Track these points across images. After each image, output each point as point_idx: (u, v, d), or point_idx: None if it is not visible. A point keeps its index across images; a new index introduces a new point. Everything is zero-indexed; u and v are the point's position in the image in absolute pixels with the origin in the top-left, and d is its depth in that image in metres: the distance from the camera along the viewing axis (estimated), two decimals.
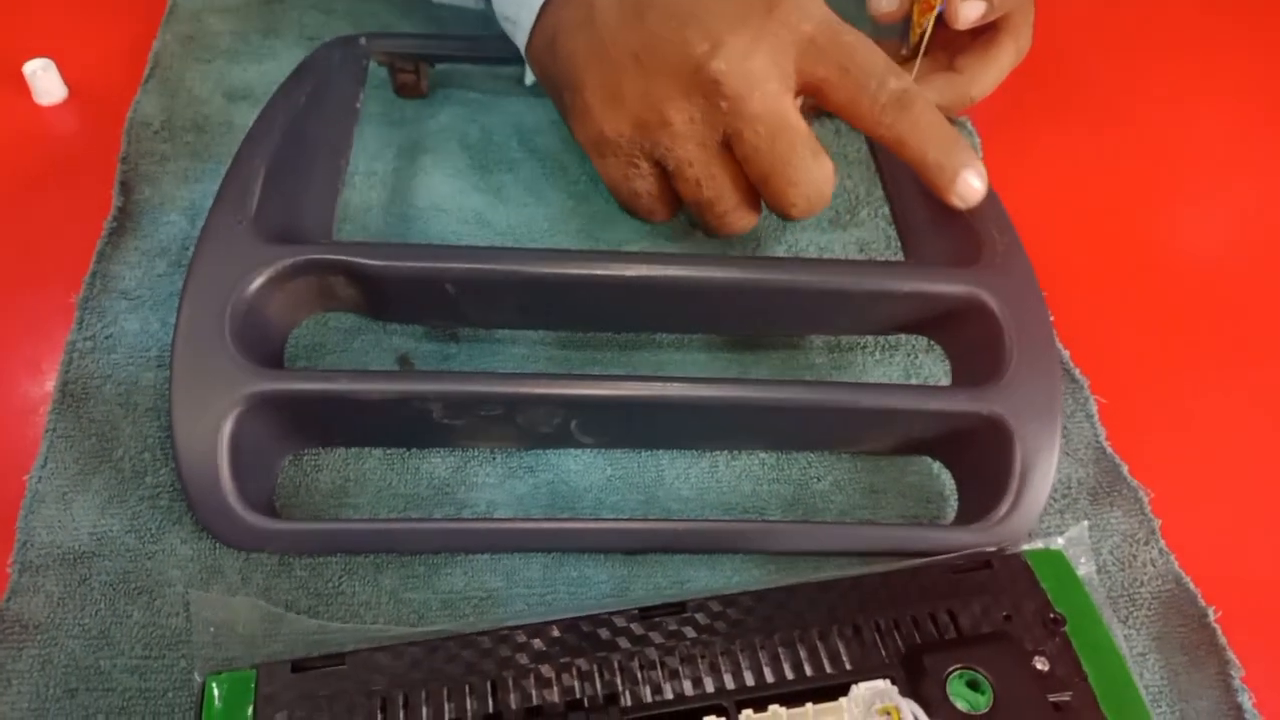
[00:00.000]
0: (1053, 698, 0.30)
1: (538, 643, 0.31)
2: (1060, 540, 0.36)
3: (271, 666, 0.30)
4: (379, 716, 0.29)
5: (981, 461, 0.37)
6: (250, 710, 0.29)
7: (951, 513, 0.38)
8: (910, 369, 0.41)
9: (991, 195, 0.41)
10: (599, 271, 0.36)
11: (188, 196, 0.43)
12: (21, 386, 0.37)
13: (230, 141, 0.46)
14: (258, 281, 0.34)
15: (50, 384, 0.37)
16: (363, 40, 0.45)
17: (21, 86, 0.47)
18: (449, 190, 0.45)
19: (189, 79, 0.48)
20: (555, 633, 0.31)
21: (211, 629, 0.31)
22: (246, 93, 0.48)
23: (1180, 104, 0.55)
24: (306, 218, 0.38)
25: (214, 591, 0.32)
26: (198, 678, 0.29)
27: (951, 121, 0.50)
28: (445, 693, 0.29)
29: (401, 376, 0.34)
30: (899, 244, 0.44)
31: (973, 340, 0.38)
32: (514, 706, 0.29)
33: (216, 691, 0.29)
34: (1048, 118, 0.54)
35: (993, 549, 0.34)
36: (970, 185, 0.37)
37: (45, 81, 0.46)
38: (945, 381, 0.41)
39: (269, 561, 0.33)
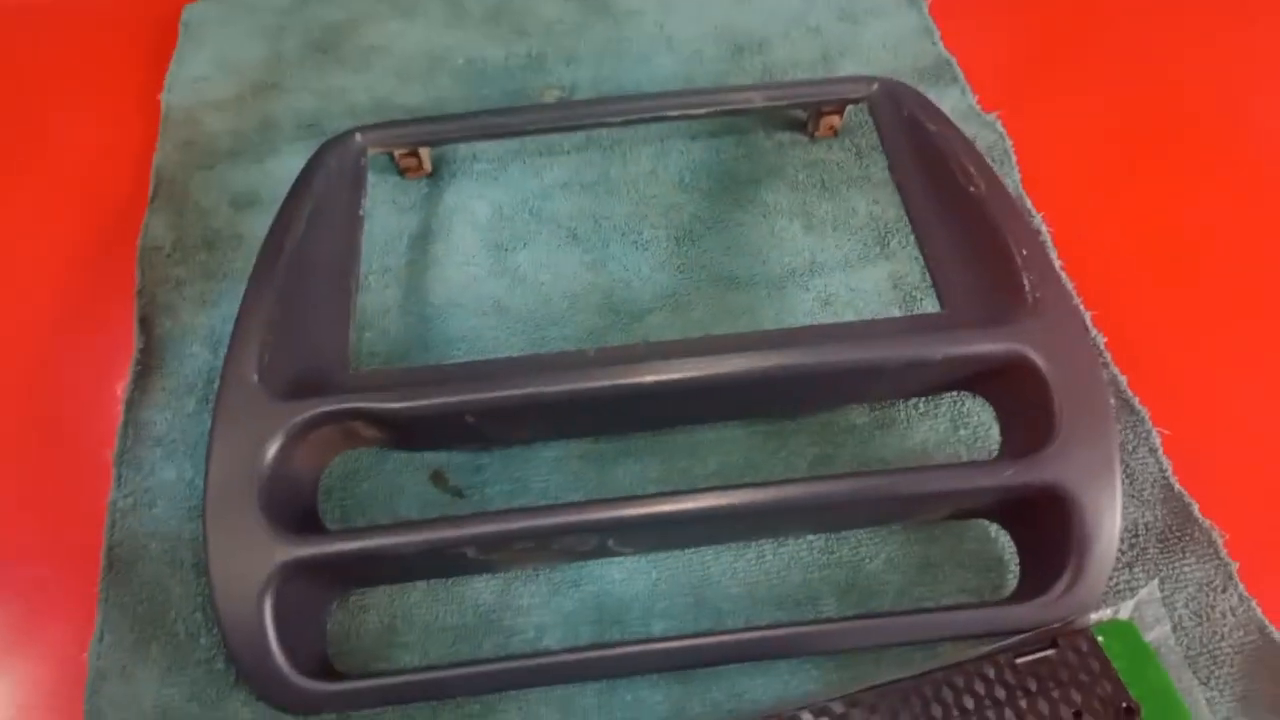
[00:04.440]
0: None
1: None
2: (1130, 605, 0.34)
3: None
4: None
5: (1040, 529, 0.35)
6: None
7: (1012, 578, 0.36)
8: (957, 419, 0.40)
9: (1028, 228, 0.39)
10: (620, 381, 0.35)
11: (206, 323, 0.43)
12: (71, 556, 0.38)
13: (242, 255, 0.45)
14: (277, 444, 0.34)
15: (98, 550, 0.37)
16: (358, 137, 0.44)
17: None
18: (462, 280, 0.44)
19: (194, 190, 0.48)
20: None
21: None
22: (252, 198, 0.47)
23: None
24: (321, 353, 0.37)
25: None
26: None
27: (977, 120, 0.47)
28: None
29: (430, 525, 0.33)
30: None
31: (1020, 398, 0.36)
32: None
33: None
34: (1100, 120, 0.51)
35: (1058, 626, 0.33)
36: None
37: None
38: (996, 428, 0.39)
39: (329, 717, 0.34)
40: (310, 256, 0.39)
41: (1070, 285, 0.41)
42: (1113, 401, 0.35)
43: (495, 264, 0.45)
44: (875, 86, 0.45)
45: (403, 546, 0.33)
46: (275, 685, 0.32)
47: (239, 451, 0.34)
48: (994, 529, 0.37)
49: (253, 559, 0.32)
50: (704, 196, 0.47)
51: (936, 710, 0.31)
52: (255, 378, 0.35)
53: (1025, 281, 0.37)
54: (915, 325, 0.38)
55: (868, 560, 0.37)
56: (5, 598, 0.37)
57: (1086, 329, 0.36)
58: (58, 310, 0.45)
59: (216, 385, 0.39)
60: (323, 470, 0.37)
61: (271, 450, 0.34)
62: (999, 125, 0.48)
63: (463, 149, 0.49)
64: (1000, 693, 0.32)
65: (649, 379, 0.34)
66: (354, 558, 0.33)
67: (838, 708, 0.32)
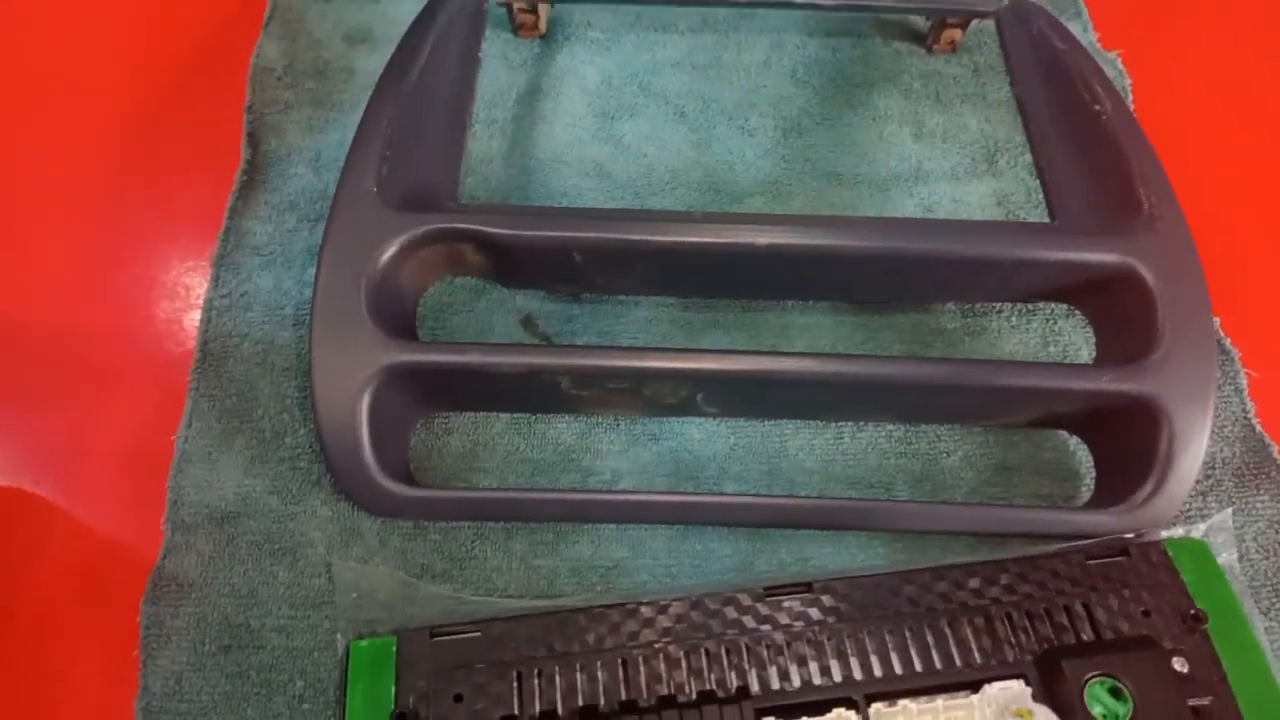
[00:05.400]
0: (1192, 702, 0.30)
1: (664, 619, 0.31)
2: (1202, 528, 0.34)
3: (411, 633, 0.31)
4: (515, 686, 0.30)
5: (1125, 441, 0.35)
6: (393, 674, 0.30)
7: (1087, 493, 0.36)
8: (1048, 335, 0.40)
9: (1146, 148, 0.39)
10: (727, 240, 0.35)
11: (312, 147, 0.43)
12: (164, 345, 0.38)
13: (351, 88, 0.46)
14: (390, 251, 0.34)
15: (191, 343, 0.38)
16: None
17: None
18: (568, 140, 0.44)
19: (308, 21, 0.48)
20: (681, 609, 0.31)
21: (354, 595, 0.32)
22: (365, 35, 0.47)
23: None
24: (434, 178, 0.38)
25: (354, 557, 0.34)
26: (341, 640, 0.31)
27: (1098, 57, 0.47)
28: (577, 666, 0.30)
29: (532, 350, 0.34)
30: (1040, 196, 0.41)
31: (1123, 312, 0.36)
32: (644, 685, 0.30)
33: (361, 655, 0.31)
34: (1218, 70, 0.50)
35: (1131, 536, 0.33)
36: None
37: None
38: (1086, 350, 0.39)
39: (405, 525, 0.34)
40: (429, 87, 0.39)
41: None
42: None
43: (601, 129, 0.45)
44: (1006, 2, 0.45)
45: (504, 366, 0.33)
46: (362, 483, 0.33)
47: (352, 254, 0.34)
48: (1073, 442, 0.37)
49: (357, 357, 0.33)
50: (815, 93, 0.47)
51: (1002, 594, 0.32)
52: (374, 187, 0.35)
53: (1143, 198, 0.37)
54: (1029, 230, 0.38)
55: (945, 455, 0.37)
56: (101, 382, 0.38)
57: (1196, 252, 0.36)
58: (169, 115, 0.45)
59: (323, 205, 0.40)
60: (424, 291, 0.38)
61: (384, 257, 0.34)
62: (1119, 63, 0.48)
63: (578, 15, 0.49)
64: (1068, 586, 0.32)
65: (761, 241, 0.35)
66: (453, 371, 0.33)
67: (905, 579, 0.32)
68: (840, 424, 0.37)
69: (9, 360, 0.38)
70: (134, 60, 0.47)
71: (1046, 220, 0.39)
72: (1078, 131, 0.40)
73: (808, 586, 0.32)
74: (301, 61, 0.46)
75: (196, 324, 0.39)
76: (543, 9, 0.46)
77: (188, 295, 0.40)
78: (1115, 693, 0.29)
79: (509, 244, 0.35)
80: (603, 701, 0.29)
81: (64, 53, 0.47)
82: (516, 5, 0.45)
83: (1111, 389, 0.34)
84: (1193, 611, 0.31)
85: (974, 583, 0.32)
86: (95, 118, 0.45)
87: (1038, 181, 0.41)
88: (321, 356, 0.33)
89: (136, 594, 0.33)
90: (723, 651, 0.30)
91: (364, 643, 0.31)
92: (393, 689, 0.30)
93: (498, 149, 0.44)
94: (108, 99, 0.46)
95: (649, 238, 0.35)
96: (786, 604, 0.32)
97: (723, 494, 0.35)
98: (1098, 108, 0.39)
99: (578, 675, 0.30)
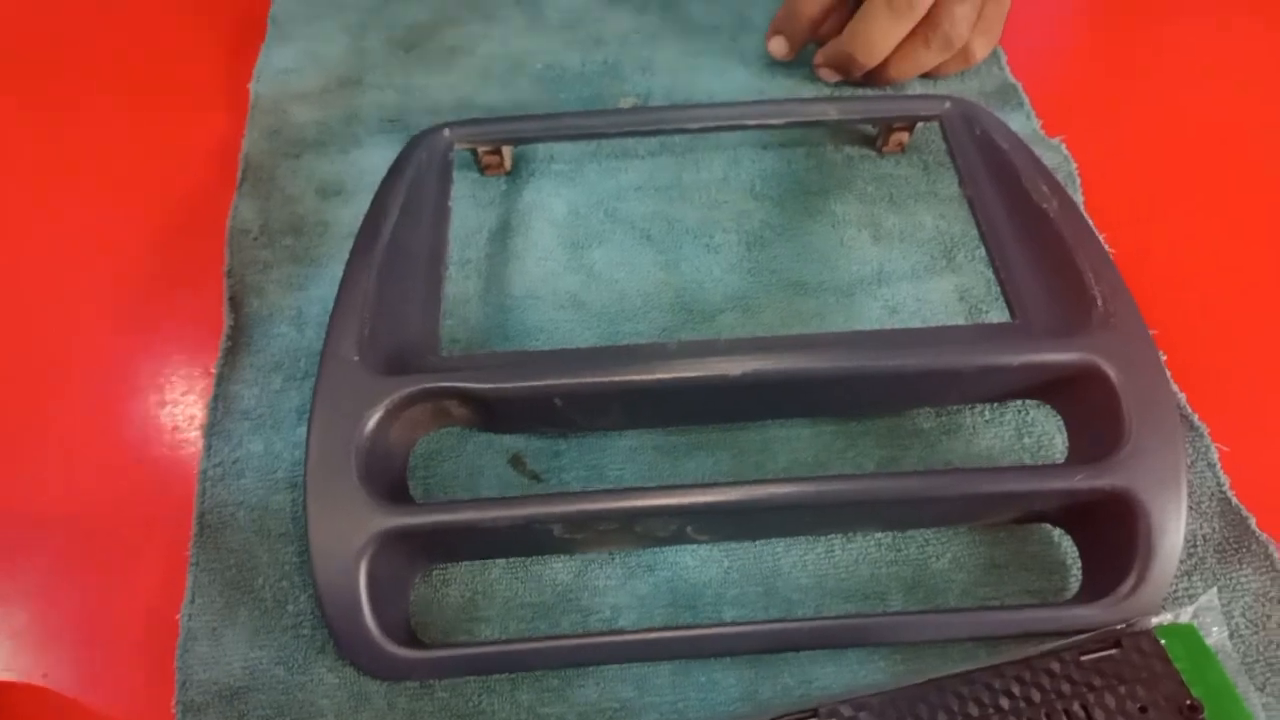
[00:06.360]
0: None
1: None
2: (1189, 610, 0.35)
3: None
4: None
5: (1105, 533, 0.36)
6: None
7: (1075, 583, 0.37)
8: (1022, 428, 0.41)
9: (1097, 244, 0.40)
10: (702, 373, 0.36)
11: (294, 304, 0.45)
12: (163, 521, 0.39)
13: (327, 241, 0.47)
14: (376, 417, 0.35)
15: (188, 516, 0.39)
16: (446, 132, 0.46)
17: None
18: (541, 274, 0.46)
19: (279, 178, 0.50)
20: None
21: None
22: (338, 187, 0.49)
23: None
24: (414, 335, 0.39)
25: None
26: None
27: (1042, 144, 0.49)
28: None
29: (522, 502, 0.35)
30: (999, 289, 0.43)
31: (1089, 407, 0.37)
32: None
33: None
34: (1163, 146, 0.52)
35: (1121, 627, 0.34)
36: None
37: None
38: (1060, 439, 0.40)
39: (411, 685, 0.35)
40: (403, 244, 0.41)
41: None
42: (1177, 394, 0.36)
43: (571, 260, 0.46)
44: (948, 105, 0.47)
45: (497, 520, 0.34)
46: (365, 650, 0.34)
47: (340, 423, 0.35)
48: (1057, 534, 0.38)
49: (351, 526, 0.34)
50: (774, 204, 0.48)
51: (1004, 701, 0.32)
52: (355, 355, 0.36)
53: (1097, 295, 0.38)
54: (991, 333, 0.39)
55: (934, 559, 0.38)
56: (104, 566, 0.38)
57: (1153, 343, 0.37)
58: (150, 286, 0.46)
59: (308, 362, 0.41)
60: (413, 447, 0.39)
61: (371, 423, 0.35)
62: (1064, 149, 0.50)
63: (541, 150, 0.50)
64: (1066, 687, 0.33)
65: (735, 371, 0.36)
66: (447, 529, 0.34)
67: (909, 695, 0.33)
68: (830, 537, 0.38)
69: (7, 553, 0.39)
70: (110, 234, 0.48)
71: (1008, 319, 0.40)
72: (1028, 229, 0.41)
73: (814, 712, 0.33)
74: (276, 219, 0.48)
75: (193, 496, 0.39)
76: (506, 149, 0.48)
77: (183, 467, 0.41)
78: None
79: (490, 397, 0.36)
80: None
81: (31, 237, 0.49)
82: (481, 149, 0.47)
83: (1085, 486, 0.35)
84: (1189, 703, 0.32)
85: (974, 692, 0.33)
86: (75, 292, 0.46)
87: (996, 280, 0.43)
88: (318, 531, 0.34)
89: None
90: None
91: None
92: None
93: (474, 289, 0.45)
94: (85, 277, 0.47)
95: (624, 378, 0.36)
96: None
97: (721, 624, 0.36)
98: (1044, 206, 0.41)
99: None
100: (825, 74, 0.53)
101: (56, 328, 0.45)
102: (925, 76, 0.54)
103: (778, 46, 0.54)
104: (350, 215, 0.47)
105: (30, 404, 0.43)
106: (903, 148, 0.50)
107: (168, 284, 0.46)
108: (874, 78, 0.52)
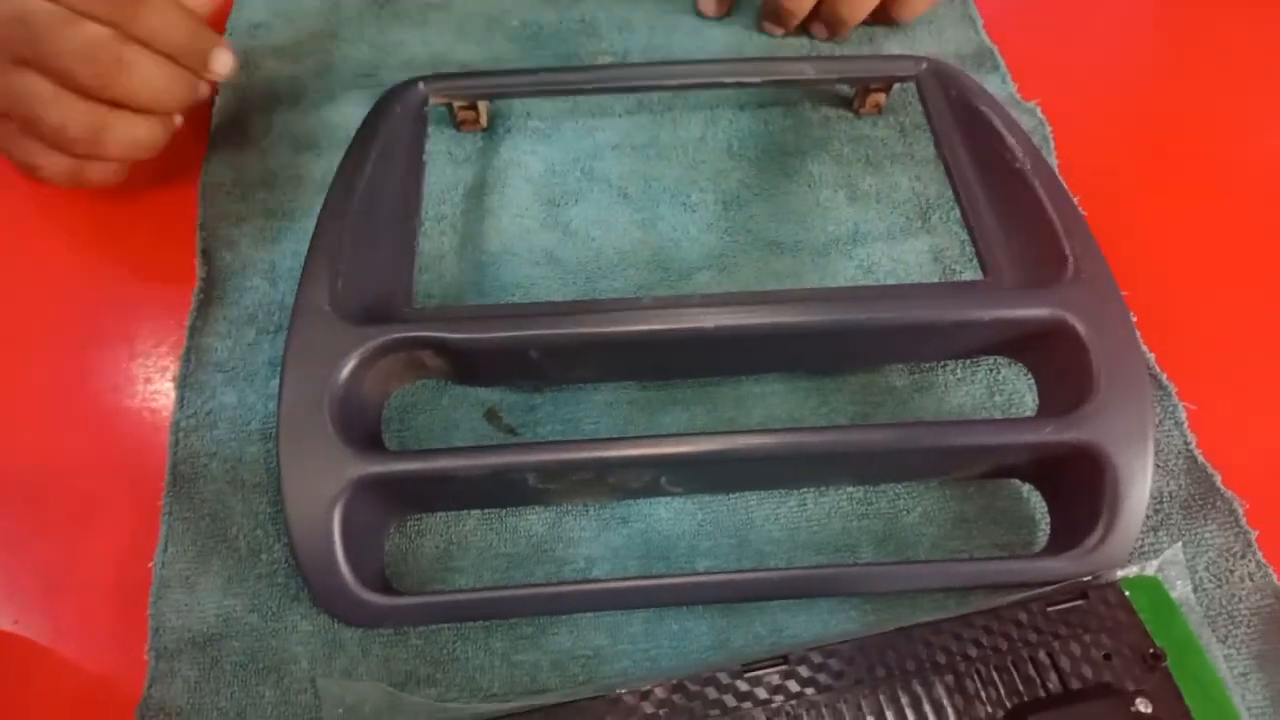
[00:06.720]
0: None
1: (647, 705, 0.32)
2: (1155, 564, 0.36)
3: None
4: None
5: (1073, 487, 0.37)
6: None
7: (1043, 537, 0.38)
8: (993, 385, 0.41)
9: (1070, 203, 0.41)
10: (677, 326, 0.36)
11: (266, 258, 0.44)
12: (135, 472, 0.39)
13: (300, 195, 0.47)
14: (349, 366, 0.35)
15: (162, 467, 0.39)
16: (421, 85, 0.45)
17: None
18: (517, 230, 0.46)
19: (252, 132, 0.49)
20: (662, 694, 0.32)
21: (340, 710, 0.32)
22: (311, 142, 0.49)
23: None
24: (388, 286, 0.39)
25: (338, 671, 0.34)
26: None
27: (1017, 107, 0.49)
28: None
29: (496, 451, 0.35)
30: (973, 250, 0.43)
31: (1059, 362, 0.38)
32: None
33: None
34: (1131, 100, 0.52)
35: (1088, 579, 0.35)
36: (220, 59, 0.42)
37: None
38: (1030, 397, 0.41)
39: (386, 633, 0.35)
40: (377, 196, 0.41)
41: None
42: (1146, 353, 0.37)
43: (548, 217, 0.46)
44: (924, 65, 0.47)
45: (471, 469, 0.34)
46: (339, 598, 0.34)
47: (313, 372, 0.35)
48: (1025, 489, 0.39)
49: (325, 473, 0.34)
50: (751, 164, 0.48)
51: (971, 649, 0.33)
52: (328, 304, 0.36)
53: (1069, 253, 0.38)
54: (963, 290, 0.40)
55: (905, 513, 0.38)
56: (76, 516, 0.38)
57: (1123, 300, 0.38)
58: (122, 238, 0.46)
59: (281, 316, 0.41)
60: (387, 399, 0.39)
61: (344, 372, 0.35)
62: (1039, 112, 0.50)
63: (517, 107, 0.50)
64: (1032, 636, 0.33)
65: (710, 324, 0.36)
66: (421, 477, 0.34)
67: (878, 642, 0.33)
68: (803, 491, 0.39)
69: None
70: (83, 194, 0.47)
71: (980, 277, 0.41)
72: (1001, 189, 0.42)
73: (784, 659, 0.33)
74: (250, 173, 0.47)
75: (165, 447, 0.39)
76: (482, 105, 0.48)
77: (155, 419, 0.40)
78: None
79: (465, 348, 0.36)
80: None
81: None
82: (457, 104, 0.47)
83: (1054, 439, 0.35)
84: (1151, 650, 0.33)
85: (942, 640, 0.33)
86: (46, 245, 0.46)
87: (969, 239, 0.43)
88: (291, 478, 0.34)
89: None
90: None
91: None
92: None
93: (449, 244, 0.45)
94: (55, 230, 0.46)
95: (599, 329, 0.36)
96: (765, 679, 0.33)
97: (694, 573, 0.36)
98: (1018, 165, 0.41)
99: None
100: (768, 27, 0.54)
101: (28, 280, 0.44)
102: (890, 24, 0.53)
103: (707, 5, 0.54)
104: (324, 169, 0.47)
105: (1, 356, 0.42)
106: (880, 109, 0.50)
107: (140, 237, 0.46)
108: (828, 25, 0.52)
